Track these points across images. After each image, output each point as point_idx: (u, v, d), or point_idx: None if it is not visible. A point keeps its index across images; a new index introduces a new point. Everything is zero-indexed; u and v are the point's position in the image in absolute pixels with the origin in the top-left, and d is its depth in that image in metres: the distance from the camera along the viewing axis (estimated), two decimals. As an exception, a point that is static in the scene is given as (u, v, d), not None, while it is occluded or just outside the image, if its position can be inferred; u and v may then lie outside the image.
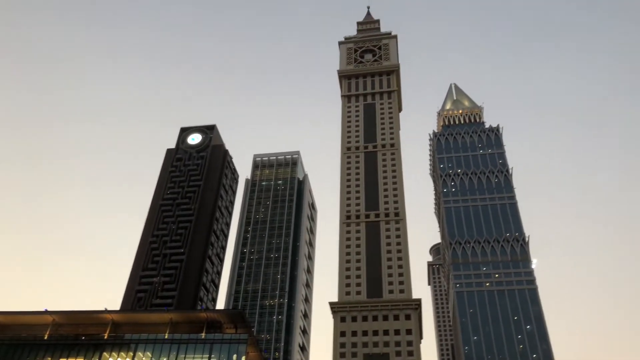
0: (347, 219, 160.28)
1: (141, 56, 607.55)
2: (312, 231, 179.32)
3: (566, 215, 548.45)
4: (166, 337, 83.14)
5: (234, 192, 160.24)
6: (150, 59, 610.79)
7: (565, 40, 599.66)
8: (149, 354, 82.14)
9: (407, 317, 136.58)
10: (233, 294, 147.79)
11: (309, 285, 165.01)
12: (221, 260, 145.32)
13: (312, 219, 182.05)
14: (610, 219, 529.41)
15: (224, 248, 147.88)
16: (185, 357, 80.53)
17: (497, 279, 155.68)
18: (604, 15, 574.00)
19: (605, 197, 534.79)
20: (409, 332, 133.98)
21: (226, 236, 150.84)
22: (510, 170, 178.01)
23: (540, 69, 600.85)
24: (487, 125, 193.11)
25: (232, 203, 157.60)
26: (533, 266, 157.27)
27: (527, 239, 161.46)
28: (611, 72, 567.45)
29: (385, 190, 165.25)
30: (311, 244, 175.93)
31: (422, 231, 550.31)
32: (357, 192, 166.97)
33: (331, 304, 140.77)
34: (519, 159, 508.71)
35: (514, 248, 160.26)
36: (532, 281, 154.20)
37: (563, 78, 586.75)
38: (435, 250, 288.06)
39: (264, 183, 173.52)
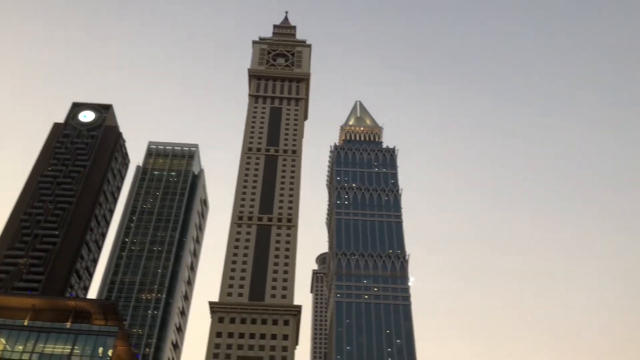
0: (239, 220, 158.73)
1: (43, 28, 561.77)
2: (201, 228, 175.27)
3: (448, 238, 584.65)
4: (25, 323, 76.77)
5: (123, 178, 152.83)
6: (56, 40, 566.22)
7: (470, 66, 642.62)
8: (2, 340, 75.36)
9: (286, 323, 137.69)
10: (108, 284, 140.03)
11: (190, 283, 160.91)
12: (99, 248, 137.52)
13: (203, 215, 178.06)
14: (489, 246, 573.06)
15: (104, 235, 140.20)
16: (45, 347, 74.81)
17: (376, 293, 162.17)
18: (507, 41, 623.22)
19: (486, 225, 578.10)
20: (285, 337, 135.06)
21: (108, 223, 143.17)
22: (400, 191, 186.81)
23: (443, 94, 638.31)
24: (384, 145, 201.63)
25: (119, 189, 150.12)
26: (410, 283, 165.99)
27: (407, 257, 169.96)
28: (511, 96, 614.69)
29: (282, 195, 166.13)
30: (198, 241, 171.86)
31: (312, 239, 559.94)
32: (253, 194, 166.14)
33: (211, 303, 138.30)
34: (412, 179, 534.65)
35: (395, 265, 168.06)
36: (407, 297, 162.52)
37: (463, 106, 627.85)
38: (321, 259, 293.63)
39: (156, 172, 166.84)
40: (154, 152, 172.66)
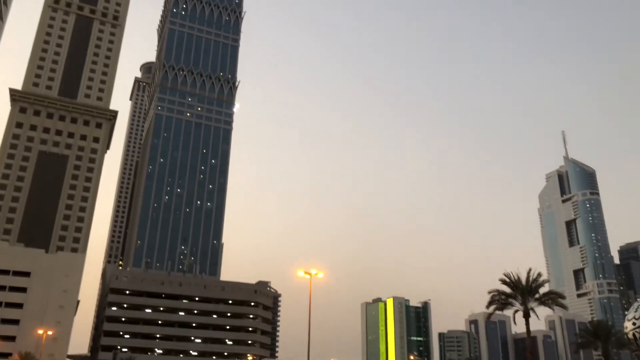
0: (55, 3, 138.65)
1: None
2: (5, 3, 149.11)
3: (285, 69, 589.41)
4: None
5: None
6: None
7: None
8: None
9: (98, 125, 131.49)
10: None
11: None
12: None
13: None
14: (320, 87, 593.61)
15: None
16: None
17: (199, 112, 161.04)
18: None
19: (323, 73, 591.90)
20: (96, 140, 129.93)
21: None
22: (243, 13, 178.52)
23: None
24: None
25: None
26: (235, 109, 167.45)
27: (237, 83, 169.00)
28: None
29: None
30: (1, 18, 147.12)
31: (139, 44, 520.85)
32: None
33: (12, 90, 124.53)
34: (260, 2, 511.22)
35: (223, 88, 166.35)
36: (229, 122, 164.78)
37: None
38: (147, 67, 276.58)
39: None
40: None
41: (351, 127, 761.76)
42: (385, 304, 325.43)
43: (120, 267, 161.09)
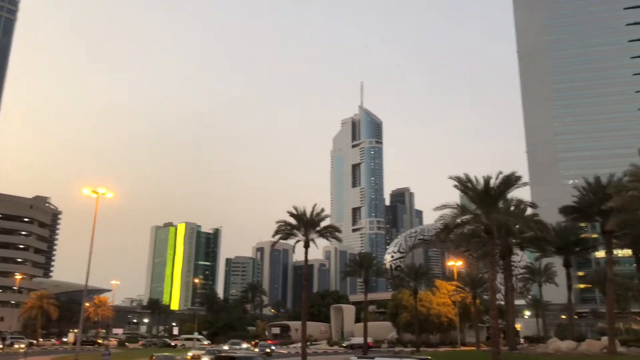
0: None
1: None
2: None
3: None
4: None
5: None
6: None
7: None
8: None
9: None
10: None
11: None
12: None
13: None
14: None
15: None
16: None
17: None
18: None
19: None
20: None
21: None
22: None
23: None
24: None
25: None
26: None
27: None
28: None
29: None
30: None
31: None
32: None
33: None
34: None
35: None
36: (13, 11, 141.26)
37: None
38: None
39: None
40: None
41: (160, 45, 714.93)
42: (177, 229, 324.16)
43: None
